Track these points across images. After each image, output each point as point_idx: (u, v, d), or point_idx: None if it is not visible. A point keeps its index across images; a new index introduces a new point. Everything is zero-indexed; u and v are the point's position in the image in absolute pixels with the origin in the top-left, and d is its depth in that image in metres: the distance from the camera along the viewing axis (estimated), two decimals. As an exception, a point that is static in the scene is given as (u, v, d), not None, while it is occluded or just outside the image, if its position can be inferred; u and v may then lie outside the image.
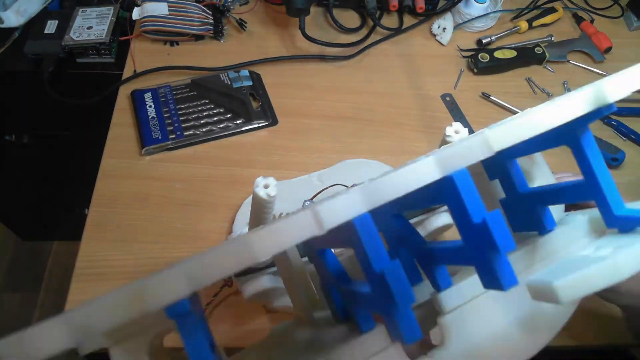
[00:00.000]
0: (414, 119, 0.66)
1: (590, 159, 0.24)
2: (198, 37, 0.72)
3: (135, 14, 0.70)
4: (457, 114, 0.67)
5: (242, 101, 0.65)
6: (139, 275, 0.52)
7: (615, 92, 0.22)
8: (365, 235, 0.20)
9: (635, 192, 0.61)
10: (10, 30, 0.75)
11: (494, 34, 0.76)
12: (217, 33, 0.72)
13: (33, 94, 0.76)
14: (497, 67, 0.72)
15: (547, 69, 0.74)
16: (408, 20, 0.79)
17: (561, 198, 0.27)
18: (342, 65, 0.72)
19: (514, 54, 0.72)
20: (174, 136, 0.60)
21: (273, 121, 0.64)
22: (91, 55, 0.72)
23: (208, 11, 0.72)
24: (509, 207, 0.30)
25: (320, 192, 0.52)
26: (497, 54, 0.72)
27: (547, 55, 0.73)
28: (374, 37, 0.75)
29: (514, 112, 0.68)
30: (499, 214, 0.19)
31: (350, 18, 0.79)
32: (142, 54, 0.69)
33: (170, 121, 0.61)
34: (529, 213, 0.28)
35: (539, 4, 0.81)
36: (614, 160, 0.62)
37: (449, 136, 0.38)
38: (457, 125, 0.38)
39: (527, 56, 0.73)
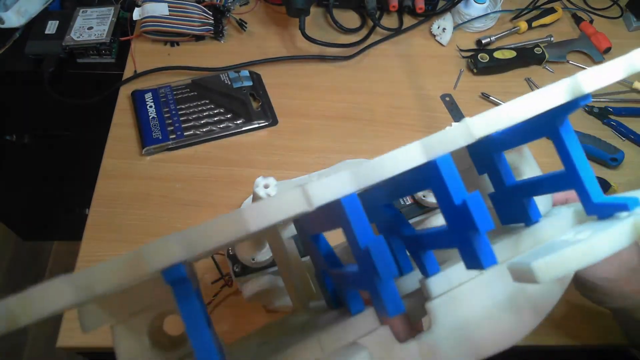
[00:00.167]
0: (413, 119, 0.66)
1: (570, 149, 0.25)
2: (198, 38, 0.72)
3: (136, 14, 0.71)
4: (456, 114, 0.67)
5: (242, 101, 0.65)
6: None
7: (590, 83, 0.23)
8: (352, 214, 0.21)
9: (635, 192, 0.61)
10: (11, 30, 0.75)
11: (494, 35, 0.76)
12: (218, 33, 0.72)
13: (33, 94, 0.76)
14: (496, 67, 0.72)
15: (546, 69, 0.74)
16: (408, 20, 0.79)
17: (544, 189, 0.28)
18: (342, 66, 0.72)
19: (513, 54, 0.72)
20: (174, 136, 0.60)
21: (273, 121, 0.64)
22: (92, 56, 0.72)
23: (208, 11, 0.72)
24: (497, 200, 0.31)
25: None
26: (497, 55, 0.72)
27: (547, 56, 0.73)
28: (373, 38, 0.75)
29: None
30: (478, 195, 0.20)
31: (350, 18, 0.79)
32: (142, 54, 0.70)
33: (170, 121, 0.61)
34: (515, 205, 0.29)
35: (538, 4, 0.81)
36: (613, 160, 0.63)
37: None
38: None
39: (526, 56, 0.73)
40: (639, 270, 0.38)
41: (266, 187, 0.34)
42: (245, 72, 0.68)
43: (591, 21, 0.81)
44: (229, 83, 0.67)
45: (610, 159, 0.63)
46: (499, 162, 0.29)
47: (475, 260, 0.21)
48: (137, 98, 0.64)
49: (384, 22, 0.77)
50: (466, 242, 0.21)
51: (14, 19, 0.74)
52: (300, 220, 0.30)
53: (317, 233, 0.28)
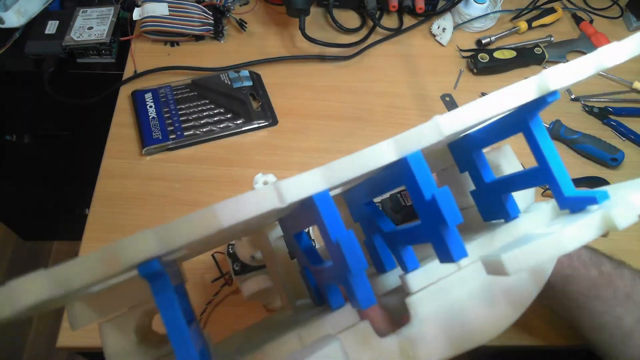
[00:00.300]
0: (413, 119, 0.66)
1: (541, 145, 0.26)
2: (198, 38, 0.72)
3: (136, 14, 0.71)
4: (456, 114, 0.67)
5: (242, 101, 0.65)
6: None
7: (556, 81, 0.24)
8: (323, 209, 0.21)
9: (635, 192, 0.61)
10: (11, 30, 0.75)
11: (494, 35, 0.76)
12: (218, 33, 0.72)
13: (33, 94, 0.76)
14: (496, 67, 0.72)
15: (546, 69, 0.74)
16: (408, 20, 0.79)
17: (519, 184, 0.28)
18: (342, 66, 0.72)
19: (513, 54, 0.72)
20: (174, 136, 0.60)
21: (273, 121, 0.64)
22: (92, 56, 0.72)
23: (208, 11, 0.72)
24: (478, 197, 0.32)
25: None
26: (497, 55, 0.72)
27: (547, 56, 0.73)
28: (373, 38, 0.75)
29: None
30: (447, 190, 0.20)
31: (350, 18, 0.79)
32: (142, 54, 0.70)
33: (170, 121, 0.61)
34: (495, 202, 0.30)
35: (538, 4, 0.81)
36: (613, 160, 0.63)
37: None
38: None
39: (526, 56, 0.73)
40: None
41: (265, 184, 0.34)
42: (245, 72, 0.68)
43: (591, 21, 0.81)
44: (229, 83, 0.67)
45: (610, 159, 0.63)
46: (478, 160, 0.30)
47: (446, 254, 0.21)
48: (137, 98, 0.64)
49: (384, 22, 0.77)
50: (437, 236, 0.21)
51: (14, 19, 0.74)
52: (283, 220, 0.30)
53: (298, 231, 0.29)
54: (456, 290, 0.27)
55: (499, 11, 0.78)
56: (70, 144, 0.90)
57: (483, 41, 0.75)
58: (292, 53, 0.72)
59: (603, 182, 0.61)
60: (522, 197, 0.31)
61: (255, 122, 0.63)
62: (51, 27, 0.72)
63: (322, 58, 0.72)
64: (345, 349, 0.24)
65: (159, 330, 0.27)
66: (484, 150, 0.30)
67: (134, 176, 0.58)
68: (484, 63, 0.71)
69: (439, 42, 0.76)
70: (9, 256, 1.38)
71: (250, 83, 0.67)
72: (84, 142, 0.81)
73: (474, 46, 0.76)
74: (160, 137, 0.60)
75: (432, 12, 0.78)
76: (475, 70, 0.72)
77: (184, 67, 0.68)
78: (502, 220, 0.30)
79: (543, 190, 0.59)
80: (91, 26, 0.72)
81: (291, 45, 0.73)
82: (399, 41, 0.76)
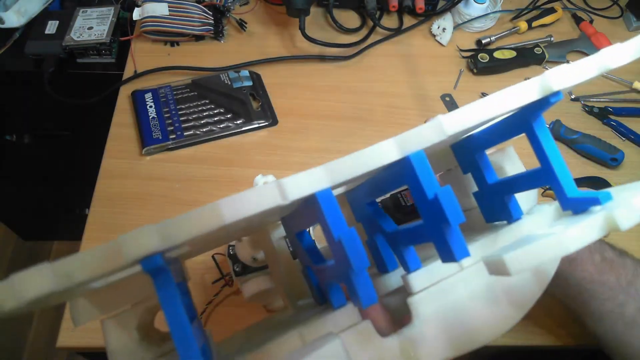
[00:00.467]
0: (413, 119, 0.66)
1: (544, 146, 0.25)
2: (198, 38, 0.72)
3: (136, 14, 0.71)
4: (456, 114, 0.67)
5: (242, 101, 0.65)
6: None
7: (559, 81, 0.23)
8: (326, 207, 0.21)
9: (635, 192, 0.61)
10: (11, 30, 0.75)
11: (494, 35, 0.76)
12: (218, 33, 0.72)
13: (33, 94, 0.76)
14: (496, 67, 0.72)
15: (546, 69, 0.74)
16: (408, 20, 0.79)
17: (522, 185, 0.28)
18: (342, 66, 0.72)
19: (513, 54, 0.72)
20: (174, 136, 0.60)
21: (273, 121, 0.64)
22: (92, 56, 0.72)
23: (208, 11, 0.72)
24: (481, 198, 0.31)
25: None
26: (497, 54, 0.72)
27: (547, 56, 0.73)
28: (373, 38, 0.75)
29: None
30: (449, 189, 0.20)
31: (350, 18, 0.79)
32: (142, 54, 0.70)
33: (170, 121, 0.61)
34: (497, 203, 0.30)
35: (538, 4, 0.81)
36: (613, 160, 0.63)
37: None
38: None
39: (526, 56, 0.73)
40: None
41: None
42: (245, 72, 0.68)
43: (591, 21, 0.81)
44: (229, 83, 0.67)
45: (610, 159, 0.63)
46: (481, 161, 0.30)
47: (449, 253, 0.21)
48: (137, 98, 0.64)
49: (384, 22, 0.77)
50: (440, 236, 0.21)
51: (14, 19, 0.74)
52: (286, 219, 0.31)
53: (301, 230, 0.29)
54: (458, 291, 0.27)
55: (499, 11, 0.78)
56: (70, 144, 0.90)
57: (483, 41, 0.75)
58: (292, 53, 0.72)
59: (603, 182, 0.61)
60: (524, 199, 0.30)
61: (255, 122, 0.63)
62: (51, 27, 0.72)
63: (322, 58, 0.72)
64: (347, 348, 0.24)
65: (161, 329, 0.27)
66: (487, 152, 0.30)
67: (134, 176, 0.57)
68: (484, 63, 0.71)
69: (439, 42, 0.76)
70: (9, 256, 1.38)
71: (250, 83, 0.67)
72: (84, 142, 0.81)
73: (474, 46, 0.76)
74: (160, 137, 0.60)
75: (432, 12, 0.78)
76: (475, 70, 0.72)
77: (184, 67, 0.68)
78: (505, 222, 0.30)
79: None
80: (91, 26, 0.72)
81: (291, 45, 0.73)
82: (399, 41, 0.76)
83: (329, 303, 0.27)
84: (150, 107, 0.63)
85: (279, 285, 0.35)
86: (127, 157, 0.59)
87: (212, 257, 0.48)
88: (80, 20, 0.72)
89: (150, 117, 0.61)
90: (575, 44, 0.77)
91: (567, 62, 0.75)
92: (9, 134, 0.89)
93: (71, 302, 0.25)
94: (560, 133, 0.64)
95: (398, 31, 0.77)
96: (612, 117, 0.68)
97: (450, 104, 0.68)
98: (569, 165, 0.26)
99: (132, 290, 0.26)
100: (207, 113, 0.63)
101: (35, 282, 0.18)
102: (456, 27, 0.77)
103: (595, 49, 0.76)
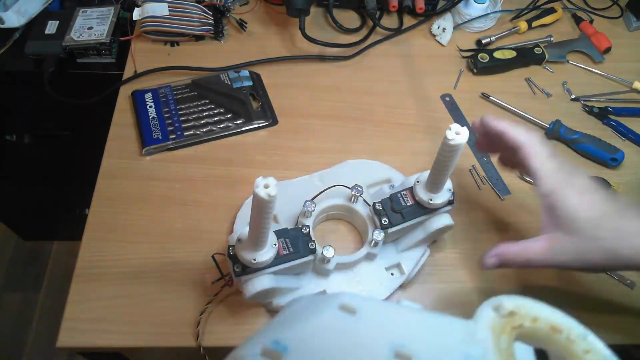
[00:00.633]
0: (413, 119, 0.66)
1: None
2: (198, 38, 0.72)
3: (136, 14, 0.71)
4: (456, 114, 0.67)
5: (242, 101, 0.65)
6: (140, 276, 0.53)
7: None
8: None
9: (635, 192, 0.61)
10: (11, 30, 0.75)
11: (494, 35, 0.76)
12: (218, 33, 0.72)
13: (33, 94, 0.76)
14: (496, 67, 0.72)
15: (546, 69, 0.74)
16: (408, 20, 0.79)
17: None
18: (342, 66, 0.72)
19: (513, 54, 0.72)
20: (174, 136, 0.60)
21: (273, 121, 0.64)
22: (92, 56, 0.72)
23: (208, 11, 0.72)
24: None
25: (321, 192, 0.53)
26: (497, 54, 0.72)
27: (547, 56, 0.73)
28: (373, 38, 0.75)
29: (514, 112, 0.68)
30: None
31: (350, 18, 0.79)
32: (142, 54, 0.70)
33: (170, 121, 0.61)
34: None
35: (538, 4, 0.81)
36: (613, 160, 0.63)
37: (450, 139, 0.39)
38: (456, 127, 0.39)
39: (526, 56, 0.73)
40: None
41: (266, 187, 0.34)
42: (245, 72, 0.68)
43: (591, 21, 0.81)
44: (229, 83, 0.67)
45: (610, 159, 0.63)
46: None
47: None
48: (137, 98, 0.64)
49: (384, 22, 0.77)
50: None
51: (14, 19, 0.74)
52: None
53: None
54: None
55: (499, 11, 0.78)
56: (70, 144, 0.90)
57: (483, 41, 0.75)
58: (292, 53, 0.72)
59: (603, 182, 0.61)
60: None
61: (255, 122, 0.63)
62: (51, 27, 0.72)
63: (322, 58, 0.72)
64: None
65: None
66: None
67: (134, 176, 0.57)
68: (484, 63, 0.71)
69: (439, 42, 0.76)
70: (9, 256, 1.38)
71: (250, 83, 0.67)
72: (84, 142, 0.80)
73: (474, 46, 0.76)
74: (160, 137, 0.60)
75: (432, 12, 0.78)
76: (475, 70, 0.72)
77: (184, 67, 0.68)
78: None
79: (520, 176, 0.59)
80: (91, 26, 0.72)
81: (291, 45, 0.73)
82: (399, 41, 0.76)
83: None
84: (150, 107, 0.63)
85: None
86: (127, 157, 0.59)
87: (212, 257, 0.48)
88: (80, 20, 0.72)
89: (150, 117, 0.61)
90: (575, 44, 0.77)
91: (567, 62, 0.76)
92: (9, 134, 0.89)
93: None
94: (560, 133, 0.64)
95: (398, 31, 0.77)
96: (612, 117, 0.68)
97: (450, 104, 0.68)
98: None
99: None
100: (207, 113, 0.63)
101: None
102: (456, 27, 0.77)
103: (595, 48, 0.76)
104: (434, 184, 0.47)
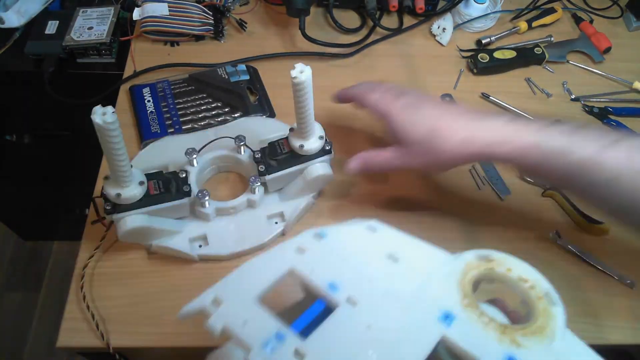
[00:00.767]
0: (413, 119, 0.66)
1: None
2: (198, 38, 0.72)
3: (136, 14, 0.71)
4: (456, 114, 0.67)
5: (239, 95, 0.65)
6: (140, 275, 0.52)
7: None
8: None
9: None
10: (11, 30, 0.75)
11: (494, 35, 0.76)
12: (218, 33, 0.72)
13: (33, 94, 0.76)
14: (496, 67, 0.72)
15: (546, 69, 0.74)
16: (408, 20, 0.79)
17: None
18: (342, 65, 0.72)
19: (513, 54, 0.72)
20: (172, 130, 0.60)
21: (270, 114, 0.64)
22: (92, 56, 0.72)
23: (208, 11, 0.72)
24: None
25: (209, 143, 0.55)
26: (497, 55, 0.72)
27: (547, 56, 0.73)
28: (373, 38, 0.75)
29: (514, 112, 0.68)
30: None
31: (350, 18, 0.79)
32: (142, 54, 0.70)
33: (168, 115, 0.62)
34: None
35: (538, 4, 0.81)
36: (613, 160, 0.62)
37: (294, 77, 0.44)
38: (301, 66, 0.45)
39: (526, 56, 0.73)
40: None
41: (104, 114, 0.39)
42: (242, 66, 0.68)
43: (591, 21, 0.81)
44: (226, 77, 0.66)
45: (610, 159, 0.62)
46: None
47: None
48: (135, 93, 0.64)
49: (384, 22, 0.77)
50: None
51: (14, 19, 0.74)
52: None
53: None
54: None
55: (499, 11, 0.78)
56: (70, 144, 0.90)
57: (483, 41, 0.75)
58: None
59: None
60: None
61: (253, 115, 0.63)
62: (51, 27, 0.73)
63: (321, 55, 0.72)
64: None
65: None
66: None
67: (134, 176, 0.57)
68: (484, 63, 0.71)
69: (439, 42, 0.76)
70: (9, 256, 1.38)
71: (247, 77, 0.67)
72: (84, 142, 0.80)
73: (474, 46, 0.76)
74: (159, 132, 0.60)
75: (432, 12, 0.78)
76: (475, 70, 0.72)
77: (184, 64, 0.68)
78: None
79: (543, 190, 0.59)
80: (91, 26, 0.72)
81: (291, 46, 0.73)
82: (399, 41, 0.76)
83: None
84: (149, 101, 0.63)
85: None
86: (127, 157, 0.59)
87: (92, 199, 0.49)
88: (80, 20, 0.73)
89: (148, 112, 0.62)
90: (575, 44, 0.77)
91: (567, 62, 0.76)
92: (9, 134, 0.89)
93: None
94: (560, 133, 0.64)
95: (398, 31, 0.77)
96: (612, 117, 0.68)
97: (450, 104, 0.68)
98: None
99: None
100: (204, 107, 0.63)
101: None
102: (456, 27, 0.77)
103: (595, 48, 0.76)
104: (300, 129, 0.49)
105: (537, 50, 0.73)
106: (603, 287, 0.53)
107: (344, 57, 0.72)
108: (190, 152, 0.52)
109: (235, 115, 0.63)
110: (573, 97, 0.71)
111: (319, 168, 0.52)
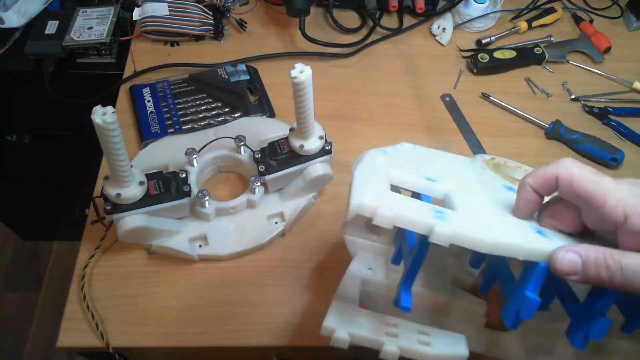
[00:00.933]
0: (413, 119, 0.66)
1: None
2: (198, 38, 0.72)
3: (136, 14, 0.71)
4: (456, 114, 0.67)
5: (239, 95, 0.65)
6: (140, 275, 0.52)
7: None
8: None
9: (635, 192, 0.61)
10: (11, 30, 0.75)
11: (494, 34, 0.76)
12: (218, 33, 0.72)
13: (33, 94, 0.76)
14: (496, 67, 0.72)
15: (546, 69, 0.74)
16: (408, 20, 0.79)
17: None
18: (341, 65, 0.72)
19: (513, 54, 0.72)
20: (172, 130, 0.60)
21: (270, 114, 0.64)
22: (92, 56, 0.72)
23: (208, 11, 0.72)
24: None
25: (209, 143, 0.55)
26: (497, 54, 0.72)
27: (547, 56, 0.73)
28: (373, 38, 0.75)
29: (514, 112, 0.68)
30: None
31: (350, 18, 0.79)
32: (142, 54, 0.70)
33: (168, 115, 0.62)
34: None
35: (538, 4, 0.81)
36: (613, 160, 0.63)
37: (294, 77, 0.43)
38: (301, 66, 0.45)
39: (526, 56, 0.73)
40: None
41: (104, 114, 0.38)
42: (242, 66, 0.68)
43: (591, 21, 0.81)
44: (226, 77, 0.66)
45: (610, 159, 0.63)
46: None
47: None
48: (135, 93, 0.64)
49: (384, 22, 0.77)
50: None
51: (14, 19, 0.74)
52: None
53: None
54: None
55: (499, 11, 0.78)
56: (70, 144, 0.90)
57: (483, 41, 0.75)
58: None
59: None
60: None
61: (253, 115, 0.63)
62: (51, 27, 0.72)
63: (321, 55, 0.72)
64: None
65: None
66: None
67: (134, 176, 0.57)
68: (484, 63, 0.71)
69: (439, 42, 0.76)
70: (9, 256, 1.38)
71: (247, 77, 0.67)
72: (84, 142, 0.80)
73: (474, 46, 0.76)
74: (159, 132, 0.60)
75: (432, 12, 0.78)
76: (475, 70, 0.72)
77: (183, 64, 0.68)
78: None
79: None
80: (91, 26, 0.72)
81: (291, 46, 0.73)
82: (399, 41, 0.76)
83: None
84: (149, 101, 0.63)
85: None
86: (127, 157, 0.59)
87: (92, 199, 0.49)
88: (80, 20, 0.72)
89: (148, 112, 0.62)
90: (575, 44, 0.77)
91: (567, 62, 0.76)
92: (9, 134, 0.89)
93: None
94: (560, 133, 0.64)
95: (398, 31, 0.77)
96: (612, 117, 0.68)
97: (450, 104, 0.68)
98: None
99: None
100: (204, 107, 0.63)
101: None
102: (456, 27, 0.77)
103: (595, 48, 0.76)
104: (300, 129, 0.49)
105: (537, 50, 0.73)
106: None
107: (344, 57, 0.72)
108: (190, 152, 0.52)
109: (235, 115, 0.63)
110: (573, 97, 0.71)
111: (319, 168, 0.52)
